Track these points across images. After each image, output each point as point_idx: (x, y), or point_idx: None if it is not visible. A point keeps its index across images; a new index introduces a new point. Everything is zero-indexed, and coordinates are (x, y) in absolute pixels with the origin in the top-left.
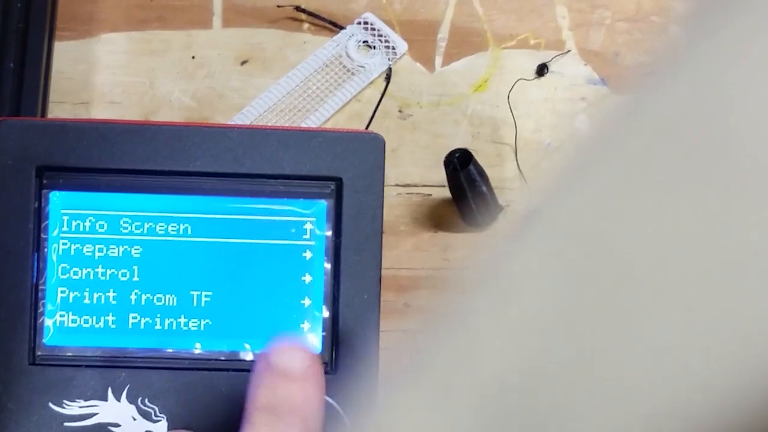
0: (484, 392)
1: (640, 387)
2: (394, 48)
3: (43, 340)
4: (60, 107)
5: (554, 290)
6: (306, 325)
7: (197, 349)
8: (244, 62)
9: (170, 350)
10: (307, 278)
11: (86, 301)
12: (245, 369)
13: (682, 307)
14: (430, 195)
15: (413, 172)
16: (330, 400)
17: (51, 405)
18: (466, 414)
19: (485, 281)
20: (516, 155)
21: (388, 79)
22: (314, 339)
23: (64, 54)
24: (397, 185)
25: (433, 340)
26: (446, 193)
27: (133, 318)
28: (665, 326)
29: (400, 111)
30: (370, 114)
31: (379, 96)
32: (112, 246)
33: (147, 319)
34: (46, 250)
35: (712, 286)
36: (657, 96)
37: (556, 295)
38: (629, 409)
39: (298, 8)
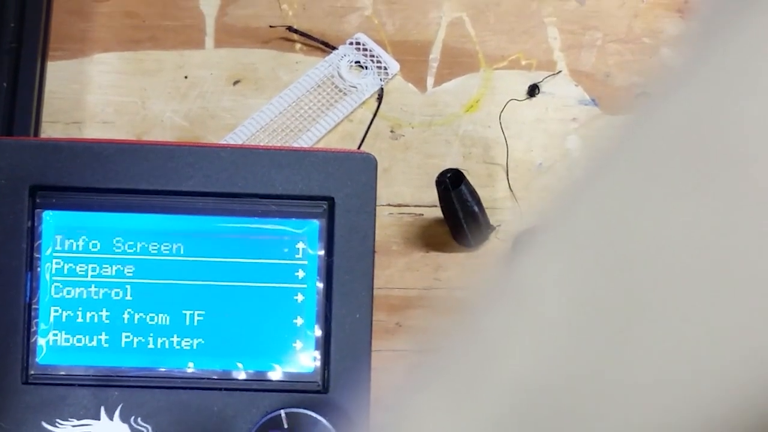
0: (504, 396)
1: (659, 388)
2: (386, 68)
3: (36, 359)
4: (52, 127)
5: (572, 295)
6: (298, 344)
7: (190, 368)
8: (236, 82)
9: (163, 369)
10: (300, 297)
11: (79, 320)
12: (238, 388)
13: (697, 308)
14: (422, 215)
15: (405, 192)
16: (323, 420)
17: (44, 424)
18: (487, 417)
19: (504, 289)
20: (507, 175)
21: (380, 99)
22: (306, 358)
23: (57, 74)
24: (389, 205)
25: (455, 345)
26: (438, 212)
27: (126, 337)
28: (682, 327)
29: (391, 131)
30: (362, 134)
31: (371, 116)
32: (105, 265)
33: (140, 338)
34: (39, 269)
35: (724, 288)
36: (668, 106)
37: (575, 301)
38: (649, 411)
39: (290, 29)
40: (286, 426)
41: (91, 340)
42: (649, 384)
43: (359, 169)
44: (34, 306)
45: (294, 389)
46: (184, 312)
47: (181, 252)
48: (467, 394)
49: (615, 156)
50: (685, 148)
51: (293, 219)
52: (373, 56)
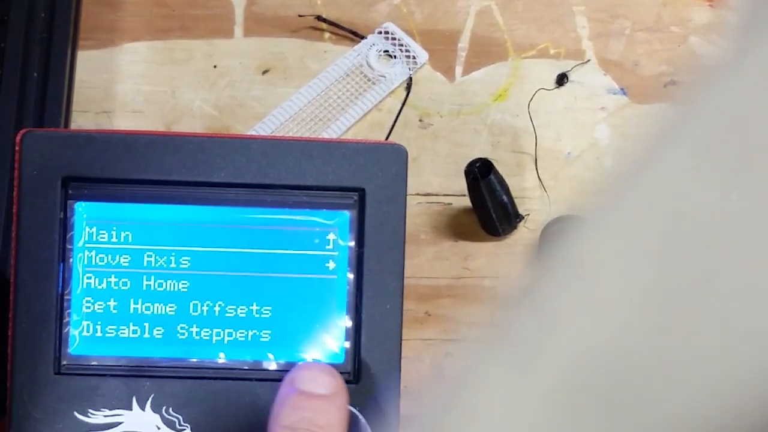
0: (566, 368)
1: (721, 362)
2: (414, 57)
3: (69, 350)
4: (83, 116)
5: (635, 269)
6: (329, 335)
7: (221, 359)
8: (265, 71)
9: (194, 360)
10: (330, 288)
11: (111, 311)
12: (269, 378)
13: (757, 282)
14: (451, 204)
15: (434, 181)
16: (353, 409)
17: (76, 414)
18: (548, 388)
19: (567, 263)
20: (536, 164)
21: (408, 88)
22: (337, 348)
23: (87, 63)
24: (418, 194)
25: (518, 317)
26: (466, 202)
27: (157, 327)
28: (743, 301)
29: (420, 120)
30: (391, 123)
31: (400, 105)
32: (136, 256)
33: (171, 328)
34: (71, 260)
35: None
36: (721, 91)
37: (637, 274)
38: (711, 384)
39: (319, 18)
40: None
41: (122, 330)
42: (711, 357)
43: (390, 160)
44: (66, 297)
45: None
46: (214, 303)
47: (212, 243)
48: (529, 364)
49: (674, 137)
50: (739, 132)
51: (324, 210)
52: (401, 45)
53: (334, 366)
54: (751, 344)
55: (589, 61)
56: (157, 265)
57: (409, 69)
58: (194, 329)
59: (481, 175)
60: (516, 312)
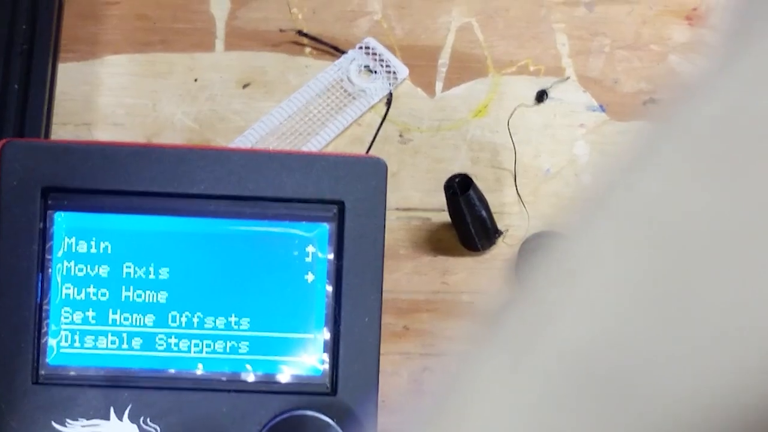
0: (559, 362)
1: (711, 353)
2: (395, 73)
3: (47, 360)
4: (63, 128)
5: (626, 266)
6: (307, 347)
7: (199, 370)
8: (246, 85)
9: (172, 371)
10: (309, 300)
11: (90, 321)
12: (246, 390)
13: (741, 274)
14: (430, 219)
15: (413, 196)
16: (331, 422)
17: (54, 424)
18: (542, 383)
19: (558, 261)
20: (515, 180)
21: (388, 103)
22: (315, 361)
23: (68, 75)
24: (397, 209)
25: (511, 313)
26: (446, 217)
27: (135, 338)
28: (728, 300)
29: (400, 135)
30: (371, 138)
31: (380, 120)
32: (115, 267)
33: (149, 339)
34: (50, 270)
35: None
36: (706, 99)
37: (627, 270)
38: (703, 376)
39: (300, 32)
40: (294, 428)
41: (101, 341)
42: (700, 355)
43: (370, 173)
44: (45, 307)
45: (302, 391)
46: (193, 314)
47: (191, 254)
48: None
49: (661, 142)
50: (725, 138)
51: (303, 222)
52: (382, 60)
53: (312, 378)
54: (740, 343)
55: (568, 78)
56: (135, 275)
57: (390, 84)
58: (173, 340)
59: (460, 190)
60: (506, 313)
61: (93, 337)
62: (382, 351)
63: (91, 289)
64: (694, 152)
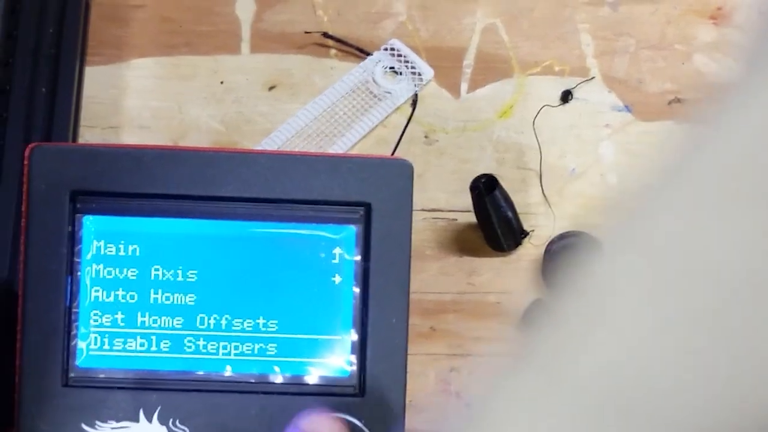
0: (586, 386)
1: (736, 380)
2: (420, 74)
3: (76, 363)
4: (90, 131)
5: (649, 291)
6: (335, 349)
7: (228, 372)
8: (271, 87)
9: (201, 373)
10: (336, 302)
11: (119, 323)
12: (275, 392)
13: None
14: (456, 220)
15: (439, 197)
16: (359, 423)
17: (83, 426)
18: (569, 407)
19: (584, 286)
20: (541, 181)
21: (414, 104)
22: (343, 362)
23: (95, 79)
24: (423, 210)
25: (538, 338)
26: (471, 217)
27: (164, 340)
28: (756, 327)
29: (426, 137)
30: (396, 139)
31: (406, 121)
32: (144, 270)
33: (178, 341)
34: (79, 273)
35: None
36: (736, 119)
37: (653, 296)
38: (727, 402)
39: (325, 34)
40: None
41: (130, 343)
42: (727, 379)
43: (396, 175)
44: (74, 310)
45: (330, 393)
46: (221, 316)
47: (219, 257)
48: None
49: (687, 165)
50: (752, 162)
51: (330, 224)
52: (407, 62)
53: (340, 380)
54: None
55: (593, 78)
56: (164, 278)
57: (415, 85)
58: (201, 342)
59: (486, 191)
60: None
61: (122, 340)
62: (409, 352)
63: (120, 292)
64: (724, 179)
